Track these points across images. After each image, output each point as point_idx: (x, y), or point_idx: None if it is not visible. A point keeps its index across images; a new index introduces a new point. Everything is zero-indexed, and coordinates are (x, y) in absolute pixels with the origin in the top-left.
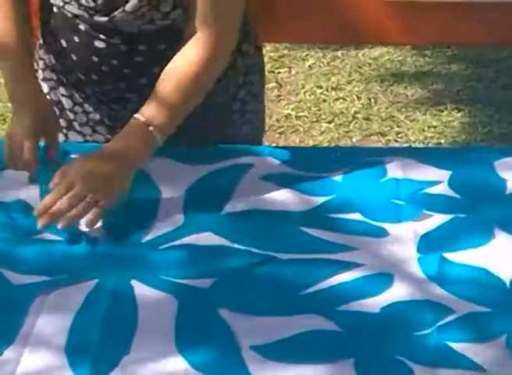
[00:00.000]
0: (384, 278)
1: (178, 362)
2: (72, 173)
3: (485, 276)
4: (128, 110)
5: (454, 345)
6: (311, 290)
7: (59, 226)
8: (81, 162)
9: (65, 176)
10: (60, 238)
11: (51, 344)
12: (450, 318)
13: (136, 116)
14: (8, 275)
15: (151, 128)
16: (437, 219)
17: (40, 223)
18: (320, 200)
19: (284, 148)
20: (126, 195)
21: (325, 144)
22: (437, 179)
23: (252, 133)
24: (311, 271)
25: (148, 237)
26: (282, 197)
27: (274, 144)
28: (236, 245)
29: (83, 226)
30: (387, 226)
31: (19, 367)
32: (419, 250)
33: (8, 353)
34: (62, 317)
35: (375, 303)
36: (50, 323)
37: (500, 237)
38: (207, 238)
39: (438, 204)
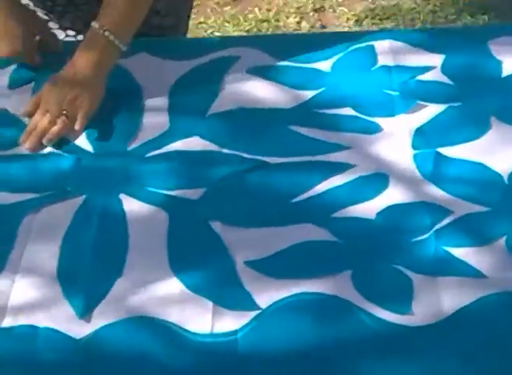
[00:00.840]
0: (379, 179)
1: (173, 284)
2: (44, 101)
3: (482, 171)
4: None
5: (453, 251)
6: (303, 196)
7: (44, 141)
8: (49, 88)
9: (38, 105)
10: (45, 152)
11: (42, 271)
12: (448, 220)
13: (92, 23)
14: None
15: (107, 33)
16: (431, 110)
17: (27, 146)
18: (309, 94)
19: (269, 36)
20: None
21: None
22: (429, 64)
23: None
24: (303, 176)
25: (134, 145)
26: (270, 92)
27: None
28: (224, 150)
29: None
30: (380, 120)
31: (11, 297)
32: (414, 146)
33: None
34: (52, 240)
35: (371, 208)
36: (39, 247)
37: (497, 128)
38: (194, 143)
39: (431, 92)
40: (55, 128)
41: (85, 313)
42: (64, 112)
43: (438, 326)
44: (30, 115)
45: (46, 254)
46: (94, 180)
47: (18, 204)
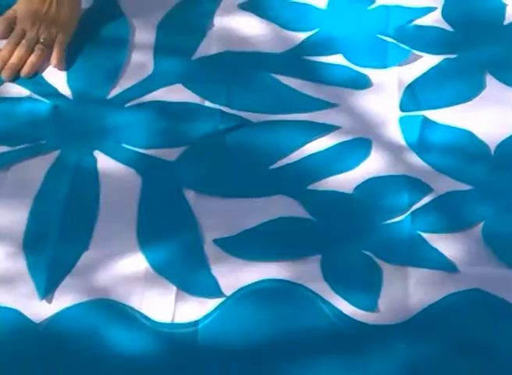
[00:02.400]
0: (361, 146)
1: (139, 261)
2: (19, 20)
3: (469, 140)
4: None
5: (427, 236)
6: (282, 162)
7: (23, 73)
8: (23, 5)
9: (12, 23)
10: (22, 95)
11: (8, 237)
12: (426, 199)
13: None
14: None
15: None
16: (425, 62)
17: (4, 77)
18: (301, 37)
19: None
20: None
21: None
22: (430, 4)
23: None
24: (285, 138)
25: (114, 92)
26: (261, 33)
27: None
28: (207, 103)
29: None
30: (370, 73)
31: None
32: (401, 106)
33: None
34: (22, 201)
35: (349, 180)
36: (8, 209)
37: (491, 87)
38: (176, 93)
39: (428, 40)
40: (33, 59)
41: (47, 292)
42: (41, 40)
43: (402, 327)
44: (3, 36)
45: (14, 217)
46: (70, 132)
47: None
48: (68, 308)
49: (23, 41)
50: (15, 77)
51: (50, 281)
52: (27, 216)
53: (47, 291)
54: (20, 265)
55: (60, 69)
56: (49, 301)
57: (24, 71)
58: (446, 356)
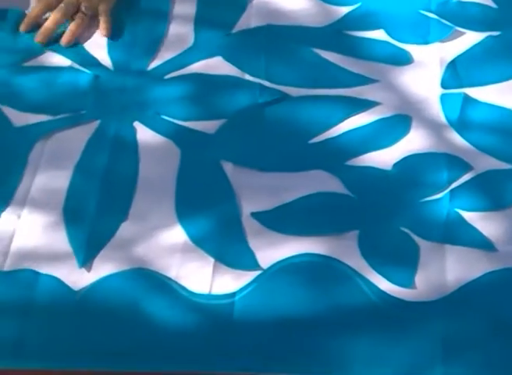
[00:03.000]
0: (401, 122)
1: (177, 233)
2: None
3: (510, 118)
4: None
5: (465, 215)
6: (321, 137)
7: (62, 42)
8: None
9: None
10: (64, 65)
11: (49, 207)
12: (466, 177)
13: None
14: (8, 113)
15: None
16: (468, 39)
17: (39, 41)
18: (343, 11)
19: None
20: None
21: None
22: None
23: None
24: (324, 113)
25: (155, 64)
26: (302, 7)
27: None
28: (246, 76)
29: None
30: (412, 48)
31: (15, 237)
32: (443, 83)
33: (6, 216)
34: (62, 170)
35: (388, 156)
36: (49, 178)
37: None
38: (216, 65)
39: (471, 17)
40: (73, 27)
41: (86, 261)
42: (82, 8)
43: (439, 304)
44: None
45: (55, 186)
46: (110, 103)
47: (32, 126)
48: (106, 277)
49: (61, 5)
50: (50, 43)
51: (89, 250)
52: (67, 185)
53: (86, 259)
54: (60, 234)
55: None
56: (88, 269)
57: (64, 40)
58: (481, 334)
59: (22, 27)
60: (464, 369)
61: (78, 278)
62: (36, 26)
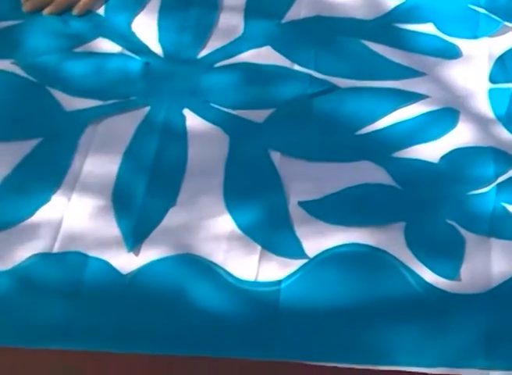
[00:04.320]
0: (448, 116)
1: (225, 219)
2: None
3: None
4: None
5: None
6: (369, 129)
7: (74, 12)
8: None
9: None
10: (114, 51)
11: (98, 190)
12: None
13: None
14: (59, 97)
15: None
16: None
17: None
18: (392, 4)
19: None
20: None
21: None
22: None
23: None
24: (372, 105)
25: (205, 52)
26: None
27: None
28: (296, 67)
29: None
30: (460, 43)
31: (64, 219)
32: (491, 78)
33: (56, 198)
34: (112, 154)
35: (435, 149)
36: (99, 162)
37: None
38: (265, 55)
39: None
40: None
41: (135, 245)
42: None
43: (484, 297)
44: None
45: (105, 170)
46: (160, 90)
47: (83, 111)
48: (154, 262)
49: None
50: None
51: (137, 234)
52: (117, 169)
53: (134, 243)
54: (109, 217)
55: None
56: (136, 253)
57: (75, 10)
58: None
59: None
60: (507, 362)
61: (126, 262)
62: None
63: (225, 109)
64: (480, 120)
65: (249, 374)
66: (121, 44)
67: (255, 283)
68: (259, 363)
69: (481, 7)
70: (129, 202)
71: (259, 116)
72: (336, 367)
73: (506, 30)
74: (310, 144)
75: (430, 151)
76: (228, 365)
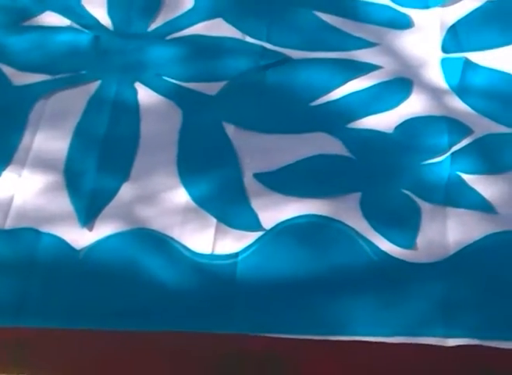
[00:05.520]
0: (402, 86)
1: (179, 193)
2: None
3: (511, 83)
4: None
5: (467, 177)
6: (322, 100)
7: None
8: None
9: None
10: (62, 25)
11: (49, 165)
12: (466, 141)
13: None
14: (7, 71)
15: None
16: (468, 4)
17: None
18: None
19: None
20: None
21: None
22: None
23: None
24: (325, 76)
25: (155, 25)
26: None
27: None
28: (248, 38)
29: None
30: (413, 13)
31: (16, 196)
32: (444, 48)
33: (6, 175)
34: (63, 129)
35: (390, 119)
36: (50, 137)
37: None
38: (217, 27)
39: None
40: None
41: (88, 220)
42: None
43: (439, 265)
44: None
45: (56, 145)
46: (111, 64)
47: (30, 86)
48: (108, 237)
49: None
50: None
51: (91, 209)
52: (68, 145)
53: (88, 218)
54: (61, 193)
55: None
56: (90, 229)
57: None
58: (481, 295)
59: None
60: (463, 330)
61: (80, 237)
62: None
63: (177, 82)
64: (433, 90)
65: (206, 347)
66: (70, 18)
67: (212, 256)
68: (219, 336)
69: None
70: (81, 177)
71: (212, 88)
72: (294, 339)
73: None
74: (264, 116)
75: (384, 121)
76: (188, 339)
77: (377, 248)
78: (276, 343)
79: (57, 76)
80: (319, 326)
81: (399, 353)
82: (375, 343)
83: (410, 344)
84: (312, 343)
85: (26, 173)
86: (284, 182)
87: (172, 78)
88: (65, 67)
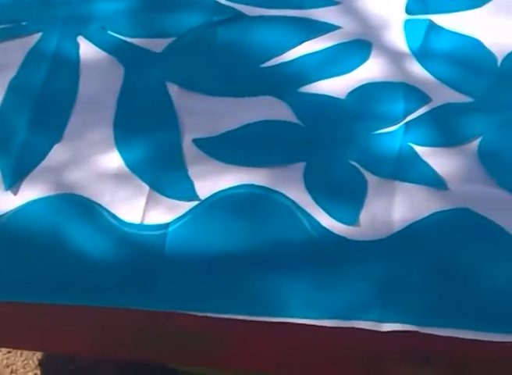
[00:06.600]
0: (360, 48)
1: (112, 157)
2: None
3: (475, 49)
4: None
5: (419, 150)
6: (274, 61)
7: None
8: None
9: None
10: None
11: None
12: (423, 110)
13: None
14: None
15: None
16: None
17: None
18: None
19: None
20: None
21: None
22: None
23: None
24: (280, 35)
25: None
26: None
27: None
28: None
29: None
30: None
31: None
32: (408, 9)
33: None
34: None
35: (344, 84)
36: None
37: None
38: None
39: None
40: None
41: (14, 183)
42: None
43: (382, 244)
44: None
45: None
46: (54, 15)
47: None
48: (33, 201)
49: None
50: None
51: (17, 171)
52: (2, 96)
53: (13, 181)
54: None
55: None
56: (15, 192)
57: None
58: (422, 278)
59: None
60: (400, 315)
61: (3, 201)
62: None
63: (121, 37)
64: (393, 54)
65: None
66: None
67: (141, 226)
68: (141, 313)
69: None
70: (10, 136)
71: (157, 44)
72: (222, 318)
73: None
74: (211, 77)
75: (338, 86)
76: (110, 314)
77: (317, 223)
78: (202, 322)
79: None
80: (249, 305)
81: (333, 336)
82: (306, 325)
83: (346, 328)
84: (241, 323)
85: None
86: (224, 149)
87: (117, 33)
88: (4, 18)
